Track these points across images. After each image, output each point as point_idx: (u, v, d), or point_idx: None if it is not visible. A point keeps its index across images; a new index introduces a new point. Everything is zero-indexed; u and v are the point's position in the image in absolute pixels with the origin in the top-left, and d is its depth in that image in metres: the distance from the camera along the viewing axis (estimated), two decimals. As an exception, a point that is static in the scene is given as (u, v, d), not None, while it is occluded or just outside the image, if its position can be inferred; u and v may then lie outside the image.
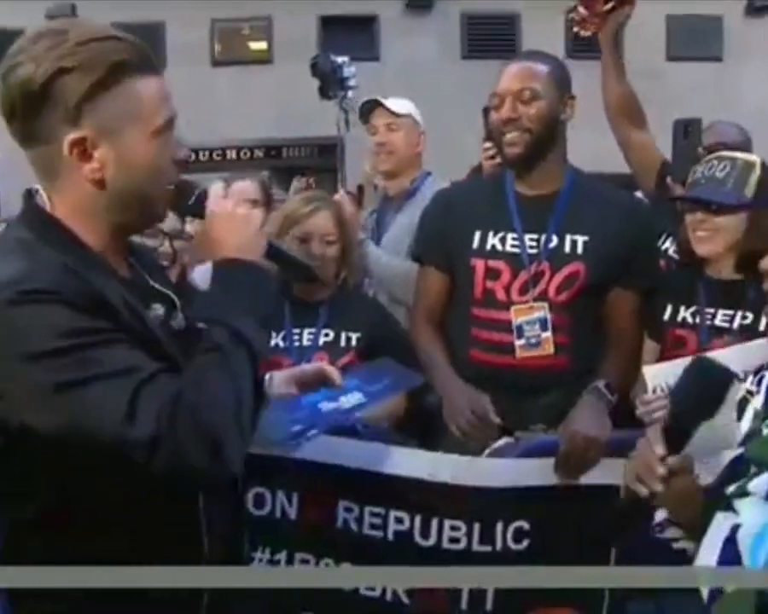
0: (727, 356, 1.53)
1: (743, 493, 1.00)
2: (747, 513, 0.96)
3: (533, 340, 1.70)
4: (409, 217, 2.36)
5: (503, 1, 11.38)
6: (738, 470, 1.04)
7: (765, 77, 10.57)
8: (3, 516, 0.98)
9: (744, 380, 1.17)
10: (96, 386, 0.89)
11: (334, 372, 1.33)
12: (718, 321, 1.69)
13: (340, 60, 7.21)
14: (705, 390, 1.10)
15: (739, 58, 11.24)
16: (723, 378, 1.10)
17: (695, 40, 11.30)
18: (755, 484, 0.99)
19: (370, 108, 2.65)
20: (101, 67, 0.97)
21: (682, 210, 1.83)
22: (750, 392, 1.14)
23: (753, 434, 1.08)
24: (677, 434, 1.10)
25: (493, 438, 1.65)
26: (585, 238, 1.72)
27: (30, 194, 1.05)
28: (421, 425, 2.05)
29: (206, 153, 11.38)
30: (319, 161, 10.82)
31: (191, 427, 0.88)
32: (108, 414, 0.88)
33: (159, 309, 1.07)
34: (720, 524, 0.98)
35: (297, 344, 1.98)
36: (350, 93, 7.34)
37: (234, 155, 12.14)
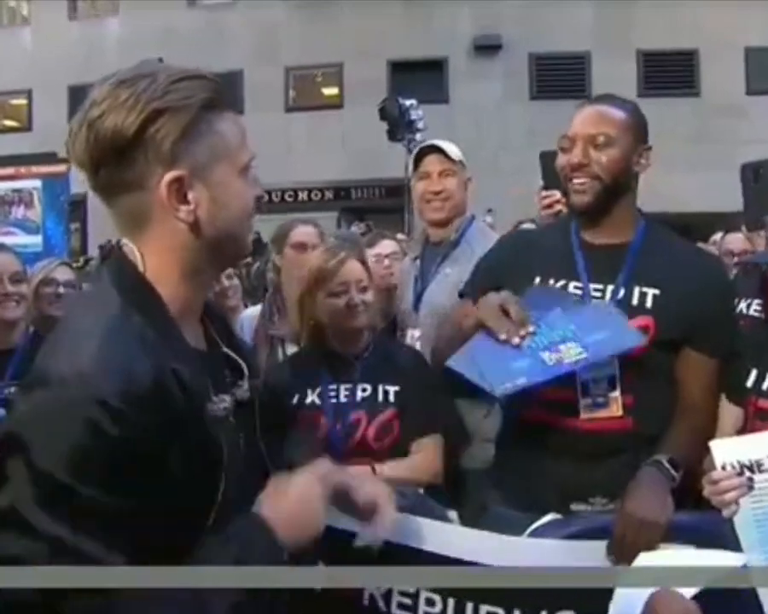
0: None
1: None
2: None
3: (600, 400, 1.57)
4: (454, 270, 2.21)
5: (572, 40, 11.37)
6: None
7: None
8: None
9: None
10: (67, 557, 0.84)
11: (386, 511, 1.15)
12: None
13: (407, 103, 7.34)
14: None
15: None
16: None
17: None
18: None
19: (424, 154, 2.42)
20: (193, 107, 0.94)
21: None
22: None
23: None
24: None
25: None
26: (656, 291, 1.58)
27: (119, 248, 1.01)
28: (456, 489, 1.93)
29: (279, 193, 11.75)
30: (386, 202, 10.98)
31: None
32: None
33: (225, 401, 1.02)
34: None
35: (334, 400, 1.88)
36: (418, 135, 7.45)
37: (305, 196, 12.48)
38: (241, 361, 1.09)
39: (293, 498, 1.01)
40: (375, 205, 11.72)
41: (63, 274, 2.65)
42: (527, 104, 11.40)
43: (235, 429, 1.03)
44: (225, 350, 1.08)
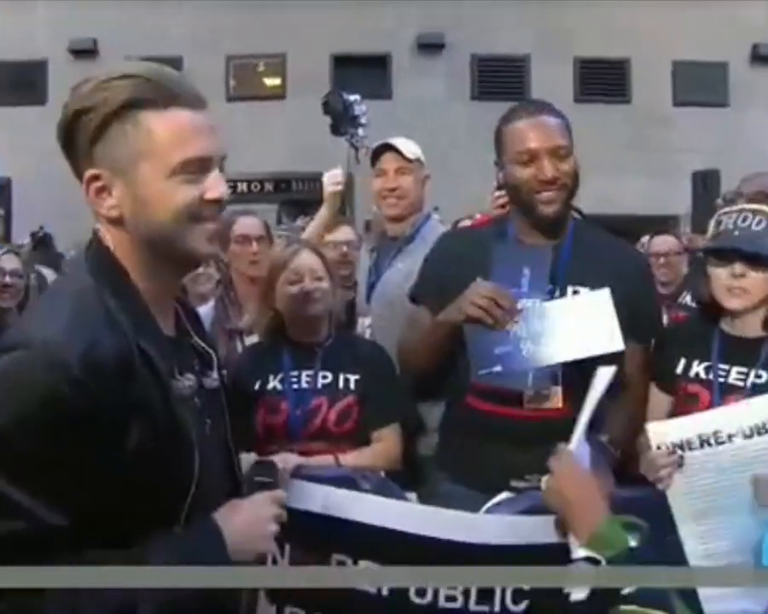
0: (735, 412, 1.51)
1: None
2: None
3: (543, 392, 1.66)
4: (406, 263, 2.30)
5: (513, 43, 11.60)
6: None
7: (769, 123, 10.70)
8: None
9: None
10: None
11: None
12: (731, 379, 1.63)
13: (351, 98, 7.33)
14: None
15: (743, 105, 11.39)
16: None
17: (701, 86, 11.47)
18: None
19: (381, 151, 2.54)
20: (111, 106, 0.97)
21: (702, 260, 1.77)
22: None
23: None
24: None
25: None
26: (586, 289, 1.67)
27: (95, 233, 1.04)
28: (413, 473, 2.03)
29: (218, 184, 11.52)
30: (329, 195, 10.93)
31: None
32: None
33: (190, 380, 1.04)
34: None
35: (295, 386, 1.96)
36: (360, 130, 7.44)
37: (245, 188, 12.29)
38: (210, 351, 1.12)
39: (247, 513, 1.04)
40: (316, 199, 11.65)
41: (10, 262, 2.57)
42: (468, 104, 11.57)
43: (200, 411, 1.05)
44: (195, 339, 1.11)
